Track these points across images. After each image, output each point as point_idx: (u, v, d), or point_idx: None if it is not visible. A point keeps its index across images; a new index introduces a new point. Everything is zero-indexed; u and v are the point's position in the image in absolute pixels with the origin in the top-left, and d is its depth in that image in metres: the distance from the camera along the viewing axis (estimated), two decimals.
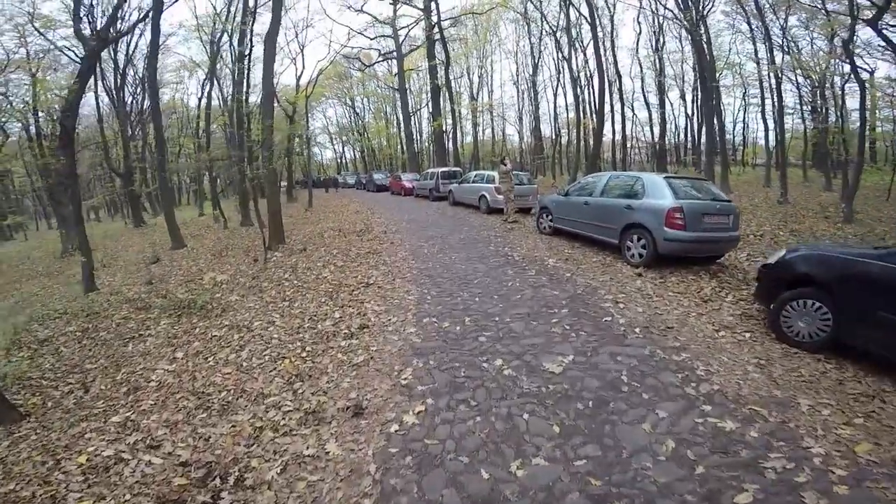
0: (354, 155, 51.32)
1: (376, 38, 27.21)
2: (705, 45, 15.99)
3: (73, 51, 16.47)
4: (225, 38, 18.71)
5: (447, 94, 24.90)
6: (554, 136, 33.61)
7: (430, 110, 26.64)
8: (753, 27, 18.27)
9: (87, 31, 11.87)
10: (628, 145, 30.46)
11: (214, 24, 18.37)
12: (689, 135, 31.94)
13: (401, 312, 5.07)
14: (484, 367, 3.62)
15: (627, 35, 47.83)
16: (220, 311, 6.00)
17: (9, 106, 17.57)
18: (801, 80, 20.46)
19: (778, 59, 16.68)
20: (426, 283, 6.15)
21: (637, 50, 28.90)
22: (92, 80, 18.79)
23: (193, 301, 6.29)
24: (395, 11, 25.65)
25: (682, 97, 30.69)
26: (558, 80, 30.52)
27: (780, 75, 15.36)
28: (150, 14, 12.12)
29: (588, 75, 27.16)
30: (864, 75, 10.87)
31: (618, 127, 28.51)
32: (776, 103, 16.42)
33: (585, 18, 19.45)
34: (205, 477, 2.87)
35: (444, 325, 4.54)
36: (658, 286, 5.64)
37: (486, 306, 4.99)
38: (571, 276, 5.99)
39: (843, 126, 18.12)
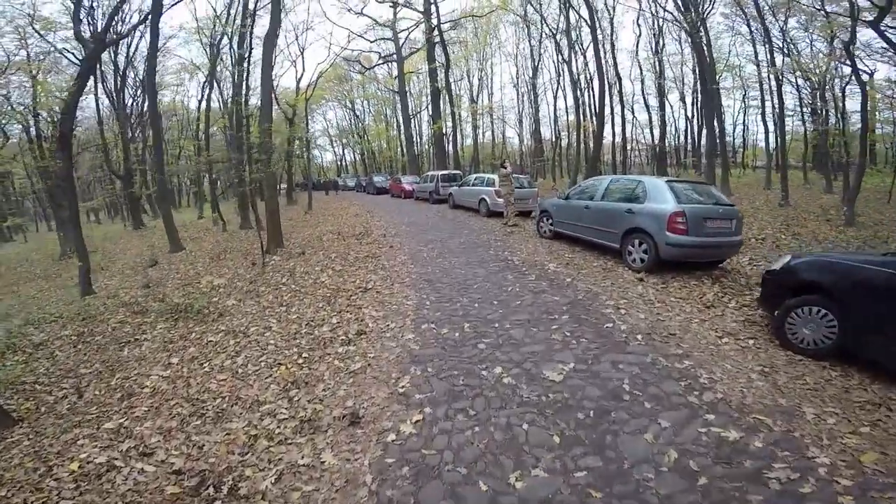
0: (354, 157, 51.38)
1: (376, 40, 27.26)
2: (705, 48, 15.97)
3: (72, 53, 16.47)
4: (225, 40, 18.72)
5: (447, 97, 24.90)
6: (554, 139, 33.59)
7: (430, 113, 26.65)
8: (753, 29, 18.30)
9: (87, 34, 11.89)
10: (628, 148, 30.44)
11: (214, 26, 18.37)
12: (689, 137, 31.96)
13: (399, 318, 5.01)
14: (483, 375, 3.56)
15: (627, 37, 47.90)
16: (216, 316, 5.95)
17: (9, 108, 17.54)
18: (800, 82, 20.44)
19: (778, 62, 16.67)
20: (425, 288, 6.09)
21: (637, 52, 28.94)
22: (92, 83, 18.85)
23: (190, 305, 6.25)
24: (395, 14, 25.71)
25: (682, 99, 30.72)
26: (558, 82, 30.57)
27: (780, 77, 15.33)
28: (150, 16, 12.11)
29: (588, 78, 27.19)
30: (864, 77, 10.79)
31: (618, 129, 28.56)
32: (777, 105, 16.41)
33: (585, 21, 19.43)
34: (198, 486, 2.82)
35: (443, 332, 4.47)
36: (660, 292, 5.58)
37: (486, 312, 4.93)
38: (572, 282, 5.93)
39: (844, 128, 18.09)
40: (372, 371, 3.88)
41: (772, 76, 15.61)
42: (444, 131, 25.86)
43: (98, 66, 18.34)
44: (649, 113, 30.45)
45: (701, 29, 15.29)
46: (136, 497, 2.75)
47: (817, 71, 16.16)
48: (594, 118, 22.40)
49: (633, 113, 31.30)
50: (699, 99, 27.73)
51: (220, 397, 3.78)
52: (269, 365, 4.26)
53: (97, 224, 32.50)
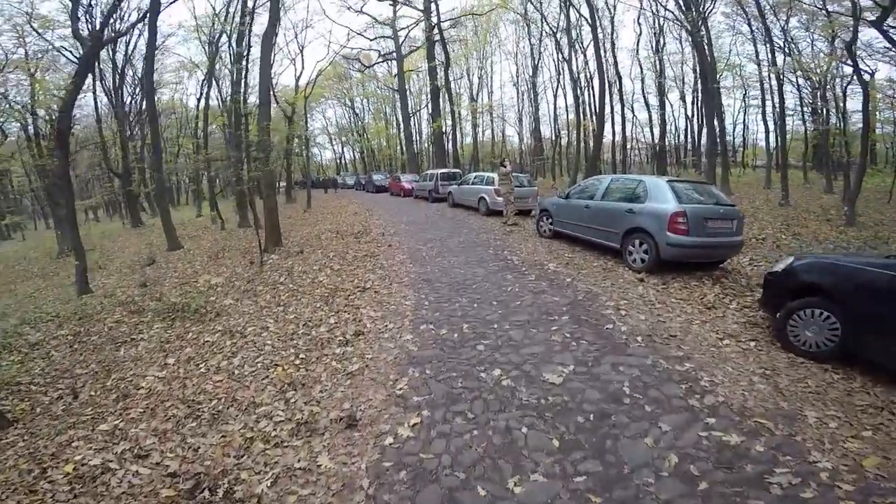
0: (354, 156, 51.31)
1: (376, 38, 27.18)
2: (706, 47, 15.91)
3: (70, 51, 16.39)
4: (224, 38, 18.65)
5: (447, 95, 24.83)
6: (554, 138, 33.54)
7: (430, 111, 26.58)
8: (754, 28, 18.24)
9: (85, 32, 11.82)
10: (628, 146, 30.39)
11: (213, 24, 18.28)
12: (689, 136, 31.90)
13: (397, 319, 4.97)
14: (482, 377, 3.53)
15: (627, 36, 47.73)
16: (213, 316, 5.91)
17: (7, 106, 17.47)
18: (801, 81, 20.39)
19: (779, 61, 16.62)
20: (424, 287, 6.05)
21: (637, 51, 28.85)
22: (90, 81, 18.77)
23: (187, 305, 6.20)
24: (394, 12, 25.61)
25: (682, 98, 30.64)
26: (558, 81, 30.49)
27: (781, 77, 15.28)
28: (148, 15, 12.05)
29: (588, 76, 27.12)
30: (865, 77, 10.74)
31: (618, 128, 28.49)
32: (778, 105, 16.36)
33: (586, 19, 19.39)
34: (193, 489, 2.79)
35: (442, 333, 4.43)
36: (660, 292, 5.55)
37: (485, 313, 4.89)
38: (572, 282, 5.89)
39: (845, 128, 18.05)
40: (369, 373, 3.85)
41: (772, 75, 15.55)
42: (443, 130, 25.79)
43: (97, 64, 18.26)
44: (649, 112, 30.43)
45: (702, 28, 15.23)
46: (130, 500, 2.72)
47: (818, 70, 16.11)
48: (594, 117, 22.35)
49: (633, 112, 31.29)
50: (699, 98, 27.69)
51: (216, 399, 3.74)
52: (265, 366, 4.23)
53: (96, 222, 32.42)
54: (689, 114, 30.60)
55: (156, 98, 25.51)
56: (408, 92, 29.41)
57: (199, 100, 22.87)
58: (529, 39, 29.98)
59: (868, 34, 13.68)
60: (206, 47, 19.20)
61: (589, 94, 27.30)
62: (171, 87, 28.81)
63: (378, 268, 7.37)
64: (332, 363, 4.12)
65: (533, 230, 9.85)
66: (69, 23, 12.11)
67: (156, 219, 21.76)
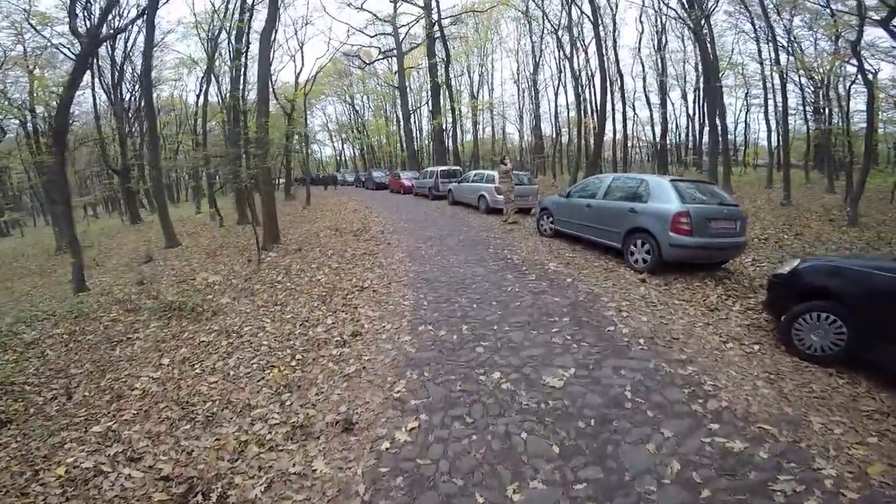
0: (354, 153, 51.14)
1: (376, 35, 27.11)
2: (709, 45, 15.80)
3: (68, 48, 16.29)
4: (223, 35, 18.53)
5: (447, 92, 24.73)
6: (554, 136, 33.40)
7: (430, 108, 26.48)
8: (757, 27, 18.11)
9: (83, 29, 11.72)
10: (629, 145, 30.29)
11: (213, 20, 18.17)
12: (690, 135, 31.76)
13: (396, 319, 4.90)
14: (481, 380, 3.46)
15: (629, 34, 47.60)
16: (210, 315, 5.84)
17: (6, 103, 17.40)
18: (804, 80, 20.27)
19: (783, 60, 16.50)
20: (423, 287, 5.98)
21: (639, 49, 28.70)
22: (89, 77, 18.68)
23: (184, 303, 6.14)
24: (395, 9, 25.52)
25: (684, 97, 30.50)
26: (559, 78, 30.32)
27: (784, 76, 15.16)
28: (146, 12, 11.95)
29: (589, 74, 26.98)
30: (868, 76, 10.65)
31: (619, 126, 28.34)
32: (781, 104, 16.24)
33: (588, 17, 19.24)
34: (186, 493, 2.74)
35: (441, 334, 4.37)
36: (662, 293, 5.48)
37: (485, 313, 4.82)
38: (573, 282, 5.82)
39: (848, 128, 17.95)
40: (367, 374, 3.78)
41: (776, 74, 15.44)
42: (443, 127, 25.70)
43: (95, 60, 18.18)
44: (650, 110, 30.29)
45: (705, 26, 15.13)
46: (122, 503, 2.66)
47: (821, 70, 16.00)
48: (595, 115, 22.24)
49: (634, 110, 31.16)
50: (701, 96, 27.56)
51: (211, 401, 3.68)
52: (261, 367, 4.16)
53: (94, 219, 32.35)
54: (691, 112, 30.49)
55: (155, 95, 25.48)
56: (408, 89, 29.33)
57: (198, 96, 22.82)
58: (531, 37, 29.83)
59: (871, 34, 13.59)
60: (206, 44, 19.10)
61: (590, 92, 27.17)
62: (170, 84, 28.78)
63: (377, 266, 7.31)
64: (329, 365, 4.06)
65: (533, 229, 9.78)
66: (68, 19, 12.06)
67: (154, 215, 21.69)
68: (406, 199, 18.80)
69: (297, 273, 7.43)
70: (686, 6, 15.36)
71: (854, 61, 10.74)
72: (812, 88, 20.39)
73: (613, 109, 26.60)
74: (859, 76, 11.16)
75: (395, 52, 26.41)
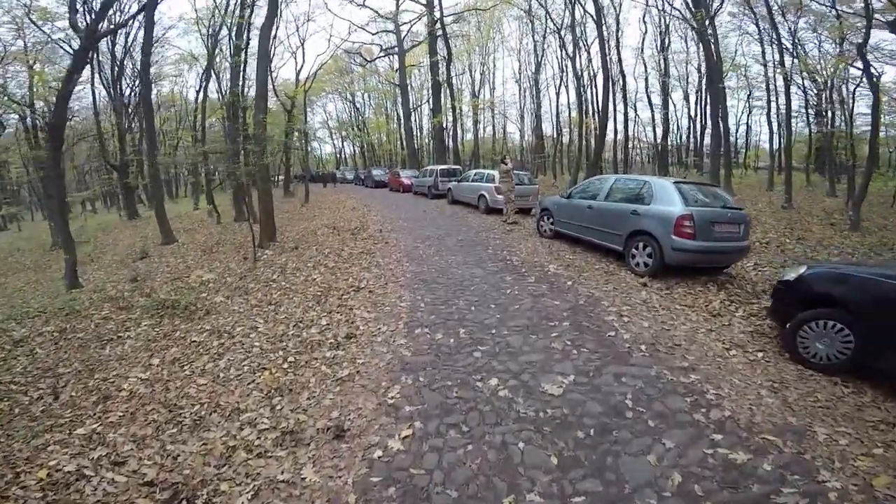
0: (354, 150, 51.06)
1: (378, 33, 27.04)
2: (712, 46, 15.67)
3: (68, 43, 16.16)
4: (224, 31, 18.42)
5: (448, 91, 24.60)
6: (555, 135, 33.29)
7: (431, 107, 26.38)
8: (761, 29, 18.03)
9: (83, 24, 11.57)
10: (630, 146, 30.18)
11: (213, 16, 18.05)
12: (691, 136, 31.65)
13: (391, 321, 4.80)
14: (478, 386, 3.37)
15: (631, 34, 47.58)
16: (203, 314, 5.74)
17: (6, 98, 17.29)
18: (807, 83, 20.16)
19: (787, 62, 16.39)
20: (420, 288, 5.88)
21: (642, 50, 28.57)
22: (89, 72, 18.59)
23: (177, 302, 6.03)
24: (397, 6, 25.42)
25: (686, 98, 30.40)
26: (561, 78, 30.18)
27: (788, 78, 15.06)
28: (146, 7, 11.83)
29: (591, 74, 26.84)
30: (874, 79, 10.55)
31: (619, 127, 28.26)
32: (784, 106, 16.15)
33: (591, 16, 19.09)
34: (170, 499, 2.65)
35: (438, 337, 4.26)
36: (664, 298, 5.38)
37: (483, 316, 4.73)
38: (573, 285, 5.72)
39: (851, 131, 17.85)
40: (360, 379, 3.68)
41: (781, 77, 15.33)
42: (444, 125, 25.60)
43: (95, 55, 18.07)
44: (652, 111, 30.20)
45: (709, 27, 14.99)
46: None
47: (825, 72, 15.90)
48: (597, 115, 22.10)
49: (635, 111, 31.05)
50: (703, 98, 27.47)
51: (199, 404, 3.58)
52: (252, 369, 4.06)
53: (93, 214, 32.25)
54: (692, 114, 30.39)
55: (156, 90, 25.39)
56: (409, 87, 29.21)
57: (198, 93, 22.68)
58: (533, 36, 29.66)
59: (875, 36, 13.49)
60: (206, 40, 18.98)
61: (592, 92, 27.03)
62: (171, 80, 28.65)
63: (374, 266, 7.20)
64: (322, 368, 3.95)
65: (533, 230, 9.69)
66: (68, 14, 11.93)
67: (152, 211, 21.60)
68: (405, 198, 18.71)
69: (292, 272, 7.32)
70: (690, 7, 15.22)
71: (859, 64, 10.64)
72: (815, 91, 20.28)
73: (615, 110, 26.51)
74: (863, 79, 11.04)
75: (396, 49, 26.31)
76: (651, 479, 2.42)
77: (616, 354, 3.76)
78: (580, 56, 23.84)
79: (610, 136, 26.64)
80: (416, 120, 35.78)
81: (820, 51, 18.69)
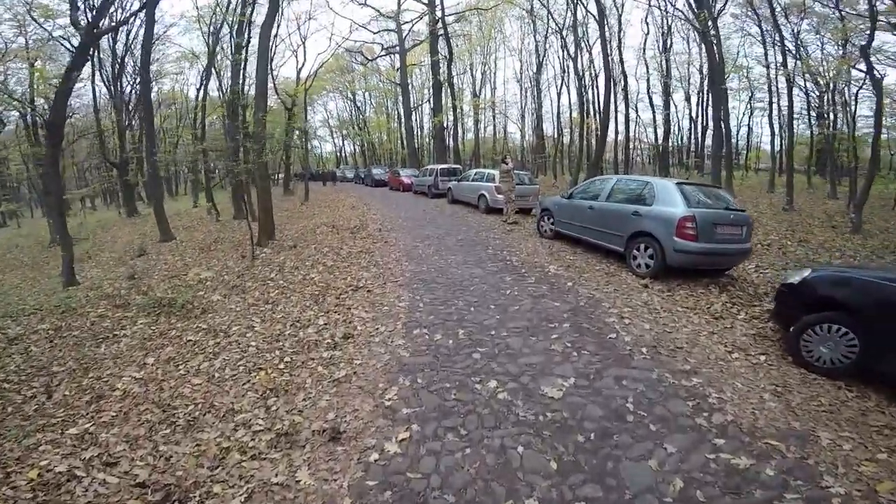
0: (354, 149, 50.98)
1: (379, 32, 26.96)
2: (715, 48, 15.62)
3: (68, 40, 16.16)
4: (225, 29, 18.37)
5: (449, 90, 24.55)
6: (556, 136, 33.24)
7: (432, 106, 26.33)
8: (764, 30, 17.97)
9: (84, 21, 11.51)
10: (631, 146, 30.12)
11: (215, 14, 18.01)
12: (692, 137, 31.61)
13: (390, 321, 4.75)
14: (477, 389, 3.31)
15: (633, 35, 47.47)
16: (199, 312, 5.68)
17: (6, 95, 17.25)
18: (808, 85, 20.12)
19: (790, 64, 16.35)
20: (419, 288, 5.82)
21: (644, 50, 28.50)
22: (89, 70, 18.56)
23: (174, 300, 5.97)
24: (399, 5, 25.38)
25: (687, 99, 30.38)
26: (562, 78, 30.10)
27: (791, 79, 15.00)
28: (146, 5, 11.77)
29: (593, 75, 26.78)
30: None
31: (621, 128, 28.22)
32: (786, 108, 16.09)
33: (594, 16, 19.06)
34: (162, 501, 2.60)
35: (436, 338, 4.21)
36: (665, 300, 5.33)
37: (482, 317, 4.67)
38: (573, 286, 5.67)
39: (853, 133, 17.79)
40: (357, 380, 3.63)
41: (783, 78, 15.28)
42: (445, 125, 25.56)
43: (96, 53, 18.04)
44: (653, 112, 30.15)
45: (712, 28, 14.94)
46: None
47: (827, 74, 15.84)
48: (598, 116, 22.05)
49: (636, 112, 30.98)
50: (704, 99, 27.43)
51: (194, 404, 3.52)
52: (248, 369, 4.00)
53: (92, 211, 32.19)
54: (694, 115, 30.34)
55: (157, 88, 25.33)
56: (410, 86, 29.17)
57: (198, 90, 22.64)
58: (535, 36, 29.59)
59: (879, 38, 13.44)
60: (207, 38, 18.93)
61: (593, 93, 27.01)
62: (171, 78, 28.58)
63: (372, 265, 7.15)
64: (319, 368, 3.90)
65: (533, 230, 9.63)
66: (69, 11, 11.86)
67: (151, 209, 21.54)
68: (405, 197, 18.66)
69: (290, 270, 7.27)
70: (693, 8, 15.17)
71: (862, 66, 10.59)
72: (817, 93, 20.24)
73: (616, 110, 26.46)
74: (867, 81, 10.99)
75: (397, 48, 26.27)
76: (652, 485, 2.38)
77: (617, 357, 3.71)
78: (582, 56, 23.78)
79: (611, 136, 26.61)
80: (416, 119, 35.73)
81: (822, 53, 18.65)
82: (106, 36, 17.50)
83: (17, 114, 19.69)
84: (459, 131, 32.45)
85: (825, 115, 20.31)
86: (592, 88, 26.99)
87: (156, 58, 23.23)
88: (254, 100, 11.56)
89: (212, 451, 2.95)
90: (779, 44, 15.61)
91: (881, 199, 14.63)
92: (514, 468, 2.53)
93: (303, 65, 30.51)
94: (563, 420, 2.91)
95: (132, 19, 17.71)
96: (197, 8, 19.60)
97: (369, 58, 29.68)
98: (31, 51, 17.14)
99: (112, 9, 15.21)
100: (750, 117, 31.62)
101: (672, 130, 30.93)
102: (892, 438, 2.88)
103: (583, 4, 20.52)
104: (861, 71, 11.74)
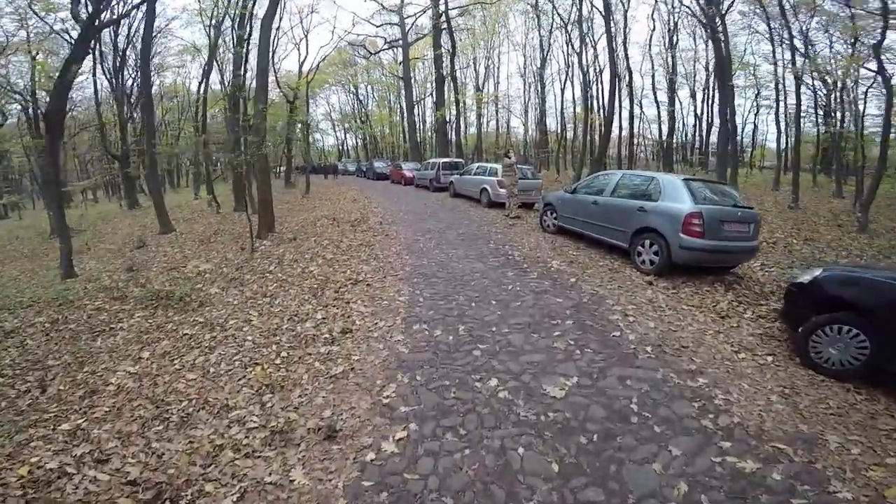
0: (357, 142, 50.77)
1: (382, 25, 26.76)
2: (723, 44, 15.42)
3: (69, 34, 16.04)
4: (227, 22, 18.23)
5: (452, 85, 24.38)
6: (560, 131, 33.01)
7: (434, 100, 26.17)
8: (772, 28, 17.73)
9: (85, 14, 11.38)
10: (635, 142, 29.91)
11: (216, 6, 17.86)
12: (697, 134, 31.36)
13: (389, 316, 4.67)
14: (477, 387, 3.24)
15: (638, 31, 46.91)
16: (197, 305, 5.61)
17: (8, 88, 17.19)
18: (817, 83, 19.86)
19: (798, 62, 16.12)
20: (419, 282, 5.74)
21: (649, 46, 28.22)
22: (91, 63, 18.47)
23: (172, 292, 5.91)
24: None
25: (693, 96, 30.06)
26: (567, 74, 29.87)
27: (799, 77, 14.80)
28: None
29: (597, 70, 26.54)
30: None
31: (625, 124, 28.01)
32: (793, 106, 15.91)
33: (599, 11, 18.79)
34: (153, 499, 2.54)
35: (436, 334, 4.13)
36: (670, 298, 5.23)
37: (483, 313, 4.59)
38: (576, 282, 5.57)
39: (861, 132, 17.57)
40: (355, 376, 3.55)
41: (789, 76, 15.09)
42: (447, 119, 25.41)
43: (98, 45, 17.93)
44: (658, 108, 29.86)
45: (719, 25, 14.73)
46: None
47: (836, 73, 15.63)
48: (602, 111, 21.88)
49: (641, 108, 30.73)
50: (710, 96, 27.17)
51: (188, 400, 3.45)
52: (243, 364, 3.93)
53: (94, 203, 32.18)
54: (699, 112, 30.06)
55: (159, 81, 25.21)
56: (412, 80, 28.99)
57: (200, 83, 22.52)
58: (539, 31, 29.25)
59: (890, 37, 13.22)
60: (209, 31, 18.79)
61: (597, 89, 26.77)
62: (173, 71, 28.46)
63: (372, 259, 7.07)
64: (316, 364, 3.82)
65: (536, 224, 9.54)
66: (70, 4, 11.75)
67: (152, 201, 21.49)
68: (407, 190, 18.57)
69: (289, 263, 7.19)
70: (702, 4, 14.95)
71: (871, 64, 10.42)
72: (824, 91, 19.99)
73: (620, 106, 26.25)
74: (877, 79, 10.81)
75: (400, 42, 26.07)
76: (656, 489, 2.32)
77: (621, 356, 3.63)
78: (587, 52, 23.57)
79: (615, 132, 26.39)
80: (419, 113, 35.58)
81: (831, 51, 18.38)
82: (107, 29, 17.34)
83: (19, 107, 19.67)
84: (462, 125, 32.27)
85: (833, 114, 20.08)
86: (597, 84, 26.77)
87: (157, 51, 23.15)
88: (254, 92, 11.44)
89: (205, 448, 2.89)
90: (787, 41, 15.37)
91: (887, 199, 14.46)
92: (514, 470, 2.47)
93: (305, 58, 30.26)
94: (566, 420, 2.84)
95: (133, 12, 17.58)
96: (199, 1, 19.42)
97: (372, 51, 29.45)
98: (32, 44, 17.08)
99: (113, 2, 15.11)
100: (756, 115, 31.35)
101: (676, 127, 30.72)
102: None
103: (589, 0, 20.27)
104: (870, 70, 11.55)
